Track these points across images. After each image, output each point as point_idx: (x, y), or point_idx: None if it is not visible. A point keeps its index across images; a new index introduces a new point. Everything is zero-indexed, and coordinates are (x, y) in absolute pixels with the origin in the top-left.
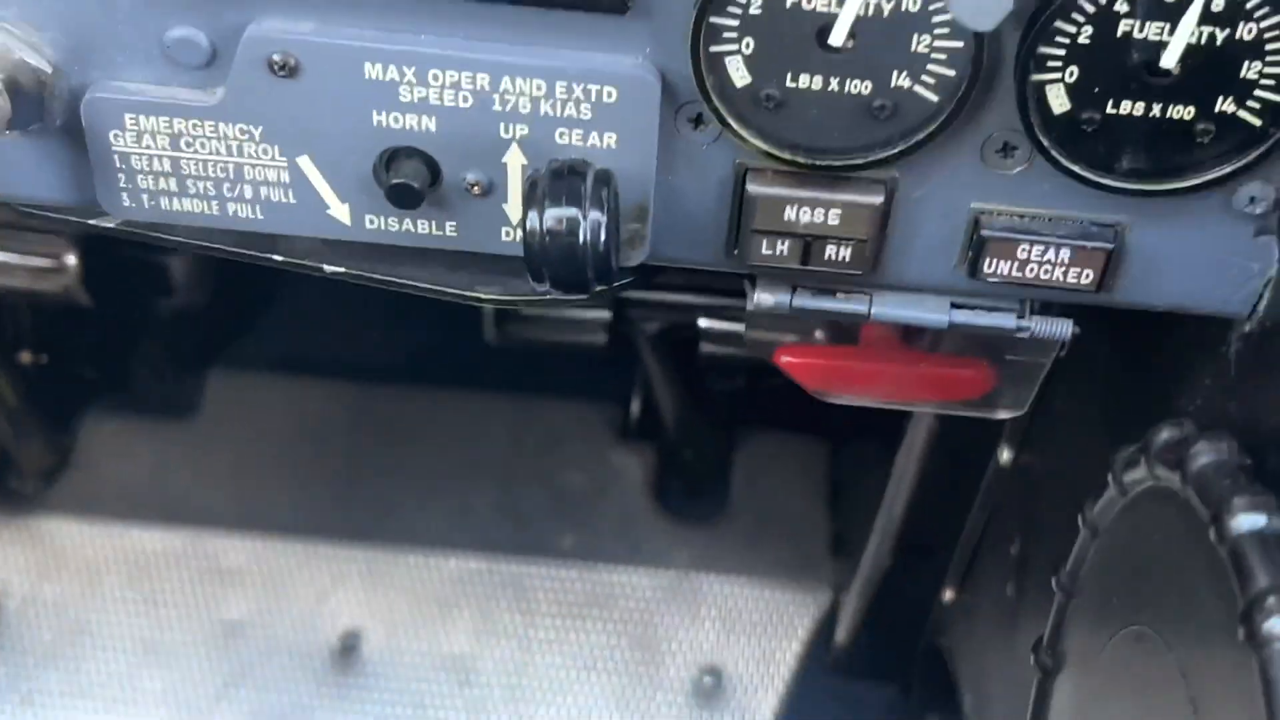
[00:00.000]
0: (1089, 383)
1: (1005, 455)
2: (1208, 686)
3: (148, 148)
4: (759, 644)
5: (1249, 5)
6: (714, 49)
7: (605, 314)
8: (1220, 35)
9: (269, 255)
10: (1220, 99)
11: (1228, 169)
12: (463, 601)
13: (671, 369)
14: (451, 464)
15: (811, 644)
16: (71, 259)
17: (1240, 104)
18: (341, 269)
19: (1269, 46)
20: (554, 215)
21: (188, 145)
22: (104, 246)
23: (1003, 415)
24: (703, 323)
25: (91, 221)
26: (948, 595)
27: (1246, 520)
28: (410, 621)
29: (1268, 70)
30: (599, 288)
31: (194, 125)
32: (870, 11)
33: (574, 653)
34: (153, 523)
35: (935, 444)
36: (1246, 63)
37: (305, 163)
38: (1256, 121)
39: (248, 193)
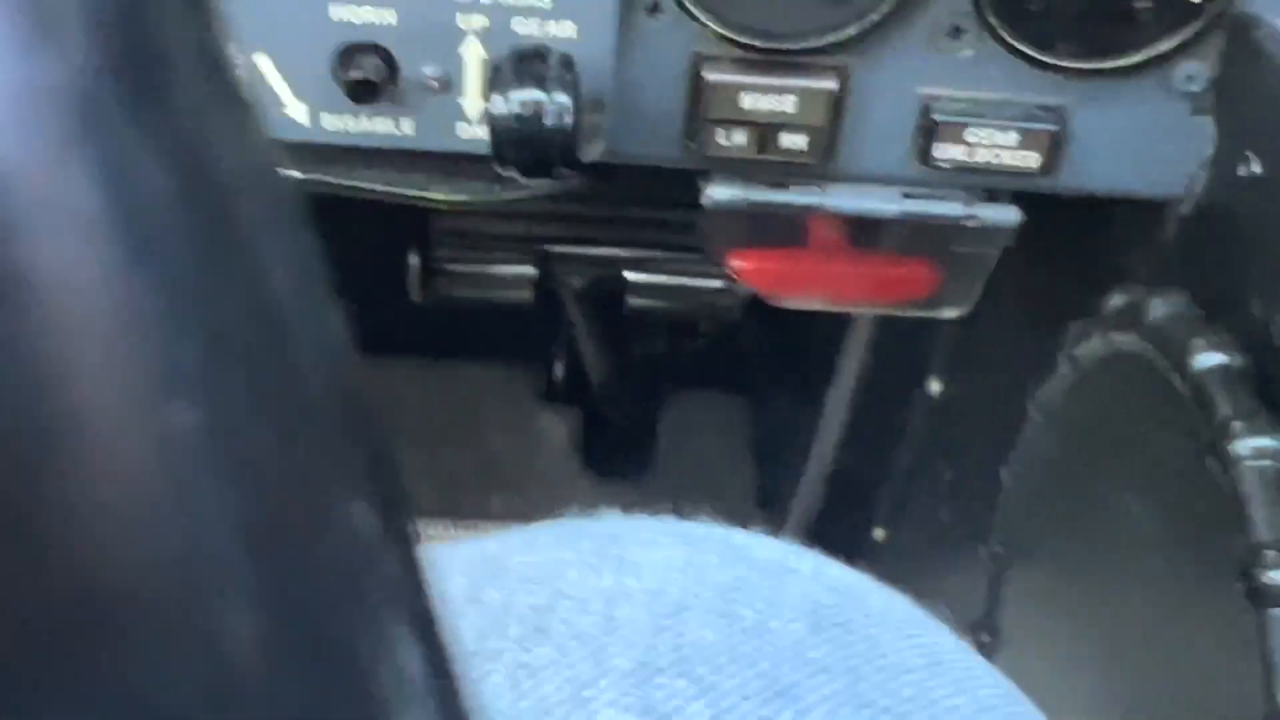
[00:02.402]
0: (1019, 288)
1: (934, 387)
2: (1175, 531)
3: None
4: None
5: None
6: None
7: (530, 270)
8: None
9: None
10: None
11: (1166, 46)
12: None
13: (597, 327)
14: None
15: None
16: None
17: None
18: (296, 173)
19: None
20: (519, 97)
21: None
22: None
23: (948, 314)
24: (629, 275)
25: None
26: (878, 534)
27: (1208, 358)
28: None
29: None
30: (564, 171)
31: None
32: None
33: None
34: None
35: (863, 384)
36: None
37: (262, 60)
38: None
39: None
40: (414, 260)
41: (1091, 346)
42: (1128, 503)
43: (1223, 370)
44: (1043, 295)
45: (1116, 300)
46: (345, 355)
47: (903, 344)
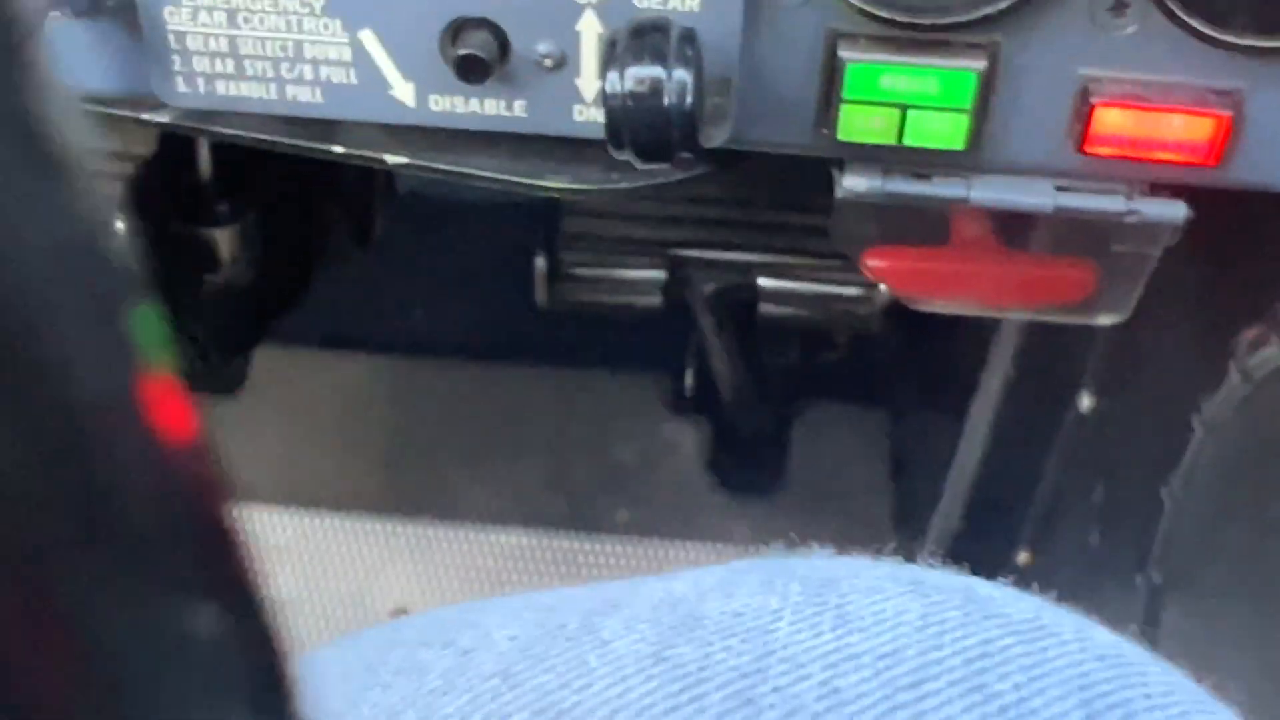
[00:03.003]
0: (1185, 291)
1: (1085, 403)
2: None
3: (204, 25)
4: None
5: None
6: None
7: (660, 274)
8: None
9: (328, 146)
10: None
11: None
12: (514, 578)
13: (729, 335)
14: (501, 437)
15: None
16: (119, 225)
17: None
18: (404, 159)
19: None
20: (636, 74)
21: (245, 21)
22: (148, 217)
23: (1105, 320)
24: (763, 282)
25: (145, 116)
26: (1022, 558)
27: None
28: (461, 598)
29: None
30: (684, 155)
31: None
32: None
33: None
34: None
35: (1010, 397)
36: None
37: (368, 37)
38: None
39: (308, 73)
40: (540, 263)
41: (1266, 356)
42: None
43: None
44: (1211, 299)
45: None
46: (159, 469)
47: (1052, 355)
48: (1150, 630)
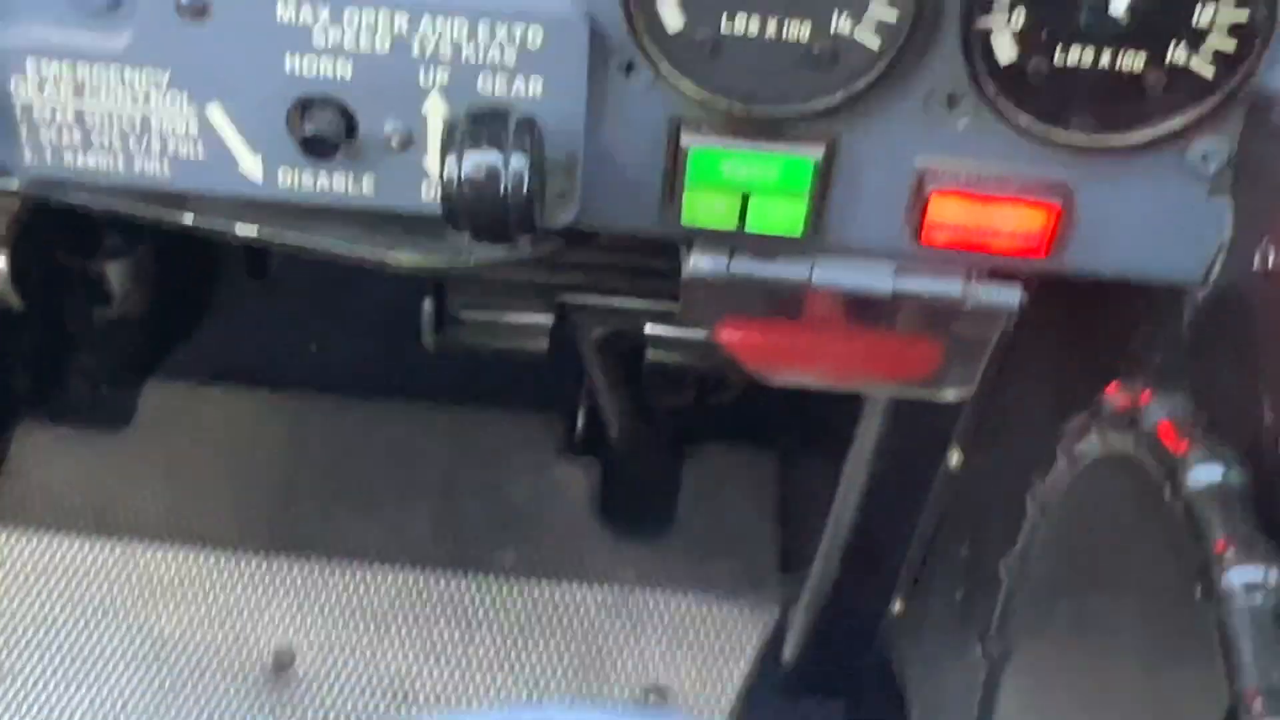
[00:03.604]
0: (1038, 365)
1: (955, 459)
2: (1164, 654)
3: (50, 97)
4: (706, 662)
5: None
6: None
7: (547, 319)
8: None
9: (178, 214)
10: (1172, 48)
11: (1179, 122)
12: (400, 618)
13: (617, 379)
14: (389, 477)
15: (759, 661)
16: (1, 260)
17: (1192, 53)
18: (253, 231)
19: None
20: (474, 160)
21: (92, 94)
22: (35, 250)
23: (950, 396)
24: (649, 329)
25: None
26: (896, 607)
27: (1203, 473)
28: (347, 638)
29: (1220, 18)
30: (522, 237)
31: (99, 72)
32: None
33: (516, 671)
34: (85, 534)
35: (883, 452)
36: (1198, 9)
37: (215, 112)
38: (1209, 72)
39: (155, 146)
40: (427, 307)
41: (1090, 444)
42: (1118, 619)
43: (1218, 489)
44: (1046, 383)
45: (1116, 396)
46: None
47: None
48: (988, 699)
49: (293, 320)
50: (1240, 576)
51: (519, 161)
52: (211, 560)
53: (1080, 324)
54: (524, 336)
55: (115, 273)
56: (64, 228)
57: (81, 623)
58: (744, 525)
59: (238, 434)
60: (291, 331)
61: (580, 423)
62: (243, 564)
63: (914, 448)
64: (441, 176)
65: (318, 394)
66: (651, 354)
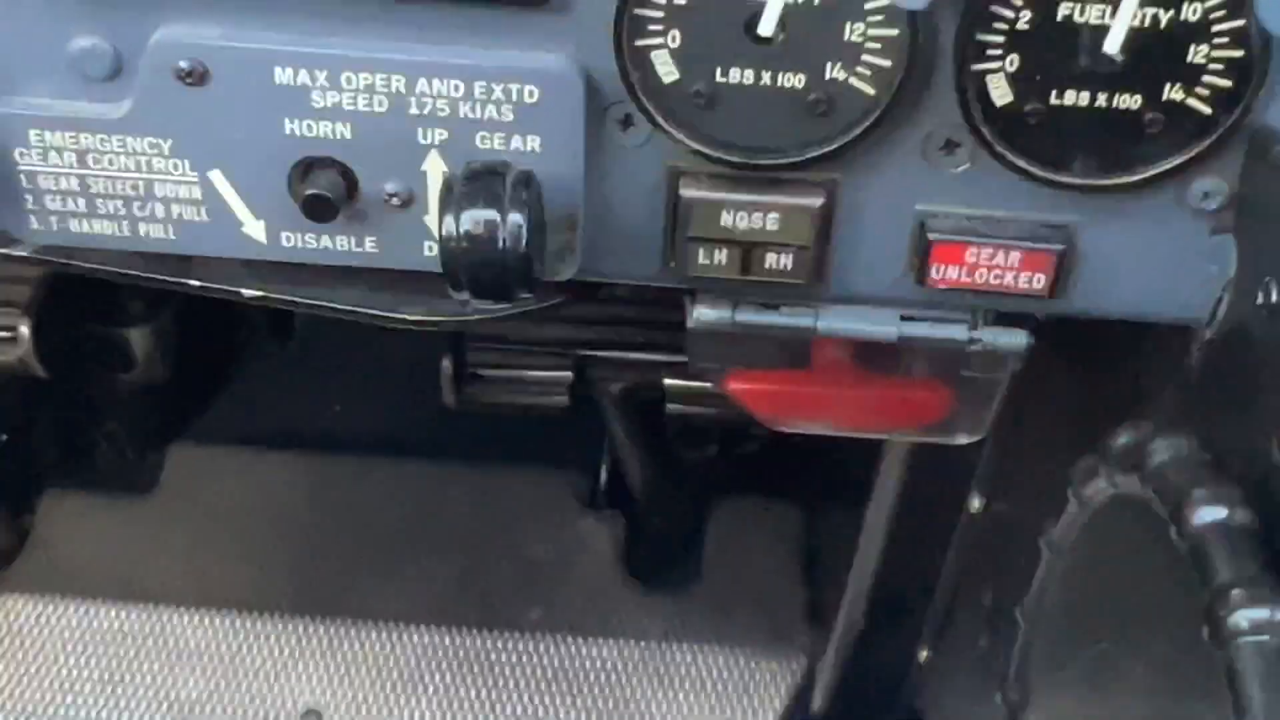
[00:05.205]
0: (1051, 407)
1: (975, 504)
2: (1177, 696)
3: (54, 166)
4: (734, 716)
5: None
6: (639, 43)
7: (566, 374)
8: (1164, 17)
9: (184, 280)
10: (1168, 86)
11: (1179, 160)
12: (426, 678)
13: (638, 432)
14: (413, 536)
15: (787, 714)
16: (24, 329)
17: (1189, 91)
18: (259, 292)
19: (1215, 29)
20: (471, 217)
21: (95, 162)
22: (58, 318)
23: (962, 440)
24: (668, 382)
25: (2, 251)
26: (923, 655)
27: (1207, 513)
28: (373, 699)
29: (1215, 54)
30: (523, 295)
31: (101, 140)
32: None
33: None
34: (111, 601)
35: (905, 499)
36: (1193, 46)
37: (217, 177)
38: (1206, 109)
39: (159, 211)
40: (447, 365)
41: (1099, 485)
42: (1132, 662)
43: (1223, 527)
44: (1059, 425)
45: (1123, 437)
46: None
47: (945, 454)
48: None
49: (314, 381)
50: (1247, 616)
51: (516, 218)
52: (238, 624)
53: (1089, 365)
54: (543, 392)
55: (138, 339)
56: (86, 295)
57: (109, 689)
58: (770, 577)
59: (262, 496)
60: (313, 392)
61: (603, 477)
62: (269, 626)
63: (935, 494)
64: (440, 235)
65: (340, 455)
66: (671, 406)
